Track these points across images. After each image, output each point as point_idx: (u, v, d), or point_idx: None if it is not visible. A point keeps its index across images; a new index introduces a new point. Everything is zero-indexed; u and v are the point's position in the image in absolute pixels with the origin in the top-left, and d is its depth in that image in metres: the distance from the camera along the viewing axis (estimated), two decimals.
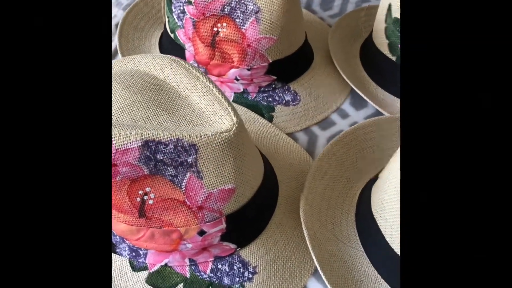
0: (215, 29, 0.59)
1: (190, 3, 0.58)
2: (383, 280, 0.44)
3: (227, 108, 0.41)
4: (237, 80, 0.61)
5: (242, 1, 0.57)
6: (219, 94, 0.42)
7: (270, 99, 0.62)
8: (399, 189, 0.41)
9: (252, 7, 0.57)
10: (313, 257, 0.44)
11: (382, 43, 0.63)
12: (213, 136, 0.38)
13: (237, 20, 0.58)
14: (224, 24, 0.58)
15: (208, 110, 0.42)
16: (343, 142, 0.54)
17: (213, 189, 0.40)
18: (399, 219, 0.41)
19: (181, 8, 0.60)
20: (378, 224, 0.44)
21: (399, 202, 0.40)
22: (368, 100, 0.61)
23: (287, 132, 0.60)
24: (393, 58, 0.62)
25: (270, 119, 0.60)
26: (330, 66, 0.67)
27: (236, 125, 0.40)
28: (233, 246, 0.44)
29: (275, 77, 0.61)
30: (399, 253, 0.41)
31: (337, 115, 0.63)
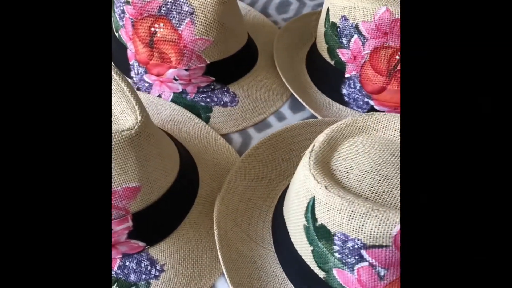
0: (152, 29, 0.59)
1: (128, 3, 0.59)
2: (289, 282, 0.45)
3: (134, 107, 0.42)
4: (176, 80, 0.61)
5: (178, 2, 0.58)
6: (129, 92, 0.43)
7: (208, 99, 0.63)
8: (298, 191, 0.42)
9: (187, 9, 0.58)
10: (219, 256, 0.44)
11: (322, 48, 0.64)
12: (113, 134, 0.39)
13: (173, 21, 0.58)
14: (161, 25, 0.59)
15: (116, 108, 0.42)
16: (269, 143, 0.55)
17: (117, 187, 0.41)
18: (298, 221, 0.41)
19: (121, 8, 0.61)
20: (287, 225, 0.44)
21: (301, 206, 0.41)
22: (303, 103, 0.61)
23: (222, 133, 0.60)
24: (332, 63, 0.63)
25: (207, 120, 0.61)
26: (274, 69, 0.67)
27: (139, 123, 0.40)
28: (141, 244, 0.45)
29: (213, 78, 0.62)
30: (301, 254, 0.42)
31: (274, 117, 0.63)
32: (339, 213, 0.36)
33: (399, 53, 0.56)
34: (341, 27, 0.59)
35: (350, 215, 0.36)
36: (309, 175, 0.39)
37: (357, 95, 0.61)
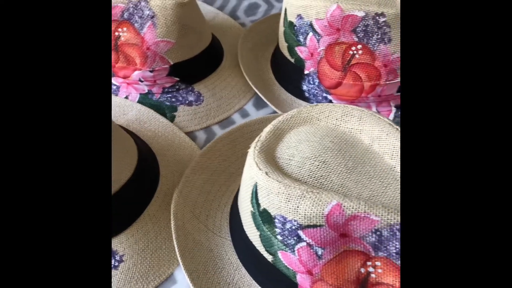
0: (116, 33, 0.62)
1: None
2: (243, 267, 0.47)
3: None
4: (141, 81, 0.64)
5: (139, 6, 0.60)
6: None
7: (173, 99, 0.65)
8: (245, 179, 0.44)
9: (147, 12, 0.60)
10: (175, 245, 0.46)
11: (283, 46, 0.66)
12: None
13: (135, 24, 0.61)
14: (124, 29, 0.61)
15: None
16: (229, 138, 0.57)
17: None
18: (247, 208, 0.43)
19: None
20: (240, 213, 0.46)
21: (248, 193, 0.43)
22: (265, 99, 0.64)
23: (187, 131, 0.62)
24: (292, 60, 0.65)
25: (172, 119, 0.63)
26: (239, 68, 0.70)
27: None
28: None
29: (177, 79, 0.64)
30: (252, 240, 0.44)
31: (238, 114, 0.66)
32: (277, 196, 0.38)
33: (352, 48, 0.59)
34: (297, 25, 0.62)
35: (287, 198, 0.38)
36: (252, 163, 0.42)
37: (316, 91, 0.64)
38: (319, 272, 0.39)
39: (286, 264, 0.41)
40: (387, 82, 0.59)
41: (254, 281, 0.45)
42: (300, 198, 0.37)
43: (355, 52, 0.59)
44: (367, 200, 0.37)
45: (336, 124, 0.45)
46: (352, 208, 0.36)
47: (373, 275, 0.38)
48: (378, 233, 0.36)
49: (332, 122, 0.45)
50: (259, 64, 0.72)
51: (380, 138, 0.42)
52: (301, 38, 0.62)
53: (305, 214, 0.37)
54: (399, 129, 0.42)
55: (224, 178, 0.54)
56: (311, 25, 0.60)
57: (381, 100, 0.61)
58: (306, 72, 0.64)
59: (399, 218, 0.35)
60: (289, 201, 0.38)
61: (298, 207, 0.37)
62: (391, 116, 0.61)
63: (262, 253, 0.43)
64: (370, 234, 0.37)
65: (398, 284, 0.38)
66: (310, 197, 0.37)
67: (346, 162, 0.41)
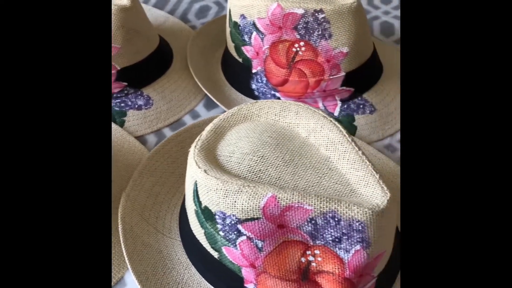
0: None
1: None
2: (193, 266, 0.47)
3: None
4: None
5: None
6: None
7: (122, 104, 0.65)
8: (188, 179, 0.44)
9: None
10: (123, 248, 0.46)
11: (231, 46, 0.67)
12: None
13: None
14: None
15: None
16: (177, 140, 0.57)
17: None
18: (191, 207, 0.44)
19: None
20: (187, 213, 0.47)
21: (190, 192, 0.43)
22: (214, 100, 0.64)
23: (137, 135, 0.62)
24: (240, 60, 0.66)
25: (122, 124, 0.63)
26: (189, 70, 0.70)
27: None
28: None
29: (125, 83, 0.64)
30: (199, 239, 0.44)
31: (189, 116, 0.66)
32: (216, 193, 0.39)
33: (295, 45, 0.60)
34: (241, 25, 0.63)
35: (225, 194, 0.39)
36: (192, 162, 0.42)
37: (265, 89, 0.65)
38: (261, 265, 0.40)
39: (231, 259, 0.42)
40: (331, 77, 0.61)
41: (203, 279, 0.46)
42: (237, 193, 0.38)
43: (298, 49, 0.60)
44: (301, 191, 0.38)
45: (275, 119, 0.46)
46: (286, 199, 0.37)
47: (313, 264, 0.39)
48: (313, 222, 0.37)
49: (271, 117, 0.46)
50: (209, 65, 0.73)
51: (316, 131, 0.43)
52: (246, 37, 0.63)
53: (242, 208, 0.38)
54: (333, 120, 0.43)
55: (174, 179, 0.55)
56: (254, 25, 0.61)
57: (326, 95, 0.62)
58: (254, 71, 0.65)
59: (331, 205, 0.37)
60: (227, 196, 0.38)
61: (235, 201, 0.38)
62: (337, 109, 0.63)
63: (208, 250, 0.43)
64: (306, 223, 0.38)
65: (337, 271, 0.39)
66: (246, 191, 0.38)
67: (284, 155, 0.42)
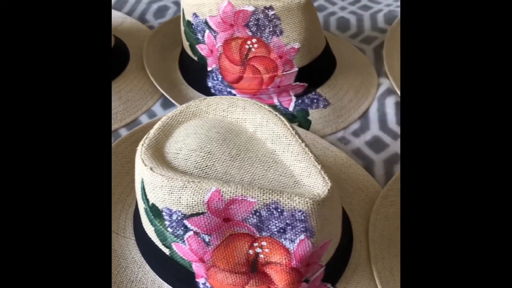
0: None
1: None
2: (147, 264, 0.47)
3: None
4: None
5: None
6: None
7: None
8: (136, 177, 0.44)
9: None
10: None
11: (186, 45, 0.67)
12: None
13: None
14: None
15: None
16: (131, 140, 0.57)
17: None
18: (141, 205, 0.44)
19: None
20: (139, 212, 0.47)
21: (138, 190, 0.44)
22: (170, 99, 0.65)
23: None
24: (195, 58, 0.66)
25: None
26: (145, 70, 0.70)
27: None
28: None
29: None
30: (150, 236, 0.45)
31: (146, 116, 0.66)
32: (161, 189, 0.39)
33: (247, 42, 0.61)
34: (194, 24, 0.63)
35: (169, 190, 0.39)
36: (139, 160, 0.42)
37: (221, 86, 0.65)
38: (210, 259, 0.40)
39: (181, 255, 0.42)
40: (284, 73, 0.62)
41: (157, 276, 0.46)
42: (182, 189, 0.38)
43: (250, 46, 0.61)
44: (245, 184, 0.39)
45: (223, 115, 0.46)
46: (230, 192, 0.37)
47: (261, 255, 0.40)
48: (257, 214, 0.38)
49: (219, 113, 0.47)
50: (167, 64, 0.73)
51: (262, 125, 0.44)
52: (199, 36, 0.63)
53: (187, 204, 0.38)
54: (278, 114, 0.44)
55: (129, 179, 0.55)
56: (206, 23, 0.61)
57: (281, 90, 0.63)
58: (209, 68, 0.65)
59: (273, 197, 0.37)
60: (172, 193, 0.39)
61: (180, 197, 0.38)
62: (292, 105, 0.64)
63: (160, 247, 0.44)
64: (250, 215, 0.38)
65: (284, 261, 0.40)
66: (191, 187, 0.38)
67: (230, 150, 0.42)
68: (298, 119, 0.63)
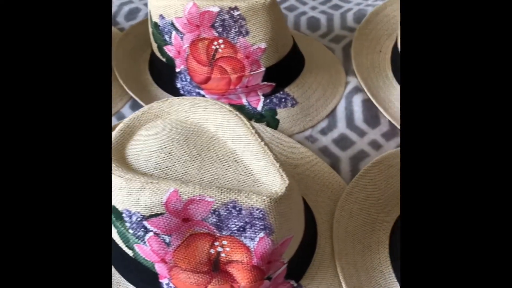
0: None
1: None
2: (113, 266, 0.47)
3: None
4: None
5: None
6: None
7: None
8: None
9: None
10: None
11: (154, 47, 0.67)
12: None
13: None
14: None
15: None
16: None
17: None
18: None
19: None
20: None
21: None
22: (138, 100, 0.65)
23: None
24: (164, 60, 0.66)
25: None
26: (114, 72, 0.70)
27: None
28: None
29: None
30: (115, 239, 0.45)
31: (114, 118, 0.66)
32: (120, 191, 0.39)
33: (214, 43, 0.61)
34: (161, 25, 0.63)
35: (128, 192, 0.39)
36: None
37: (189, 87, 0.65)
38: (172, 259, 0.41)
39: (143, 256, 0.42)
40: (252, 73, 0.62)
41: (122, 278, 0.46)
42: (140, 190, 0.39)
43: (217, 46, 0.61)
44: (203, 184, 0.39)
45: (186, 116, 0.47)
46: (188, 192, 0.38)
47: (223, 254, 0.40)
48: (216, 213, 0.38)
49: (181, 114, 0.47)
50: (137, 65, 0.73)
51: (223, 125, 0.44)
52: (166, 37, 0.63)
53: (145, 205, 0.38)
54: (238, 114, 0.44)
55: None
56: (172, 24, 0.61)
57: (249, 90, 0.64)
58: (177, 70, 0.65)
59: (231, 196, 0.38)
60: (130, 194, 0.39)
61: (138, 199, 0.39)
62: (260, 104, 0.64)
63: (124, 249, 0.44)
64: (210, 215, 0.39)
65: (246, 259, 0.40)
66: (149, 188, 0.38)
67: (191, 150, 0.42)
68: (267, 119, 0.63)
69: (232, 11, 0.59)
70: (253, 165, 0.41)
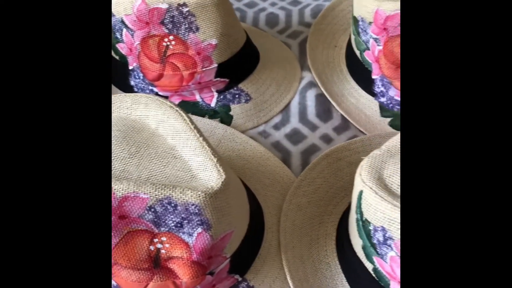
0: None
1: None
2: None
3: None
4: None
5: None
6: None
7: None
8: None
9: None
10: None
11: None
12: None
13: None
14: None
15: None
16: None
17: None
18: None
19: None
20: None
21: None
22: None
23: None
24: (117, 58, 0.66)
25: None
26: None
27: None
28: None
29: None
30: None
31: None
32: None
33: (164, 39, 0.61)
34: (112, 23, 0.62)
35: None
36: None
37: (143, 85, 0.65)
38: (111, 257, 0.40)
39: None
40: (204, 69, 0.62)
41: None
42: None
43: (168, 43, 0.61)
44: (139, 181, 0.39)
45: (127, 113, 0.46)
46: (122, 189, 0.38)
47: (163, 251, 0.40)
48: (152, 209, 0.38)
49: (123, 111, 0.47)
50: None
51: (163, 121, 0.44)
52: (118, 35, 0.63)
53: None
54: (178, 110, 0.44)
55: None
56: (122, 21, 0.61)
57: (202, 87, 0.63)
58: (130, 67, 0.65)
59: (165, 192, 0.38)
60: None
61: None
62: (214, 100, 0.64)
63: None
64: (146, 212, 0.38)
65: (185, 255, 0.40)
66: None
67: (130, 148, 0.42)
68: (220, 115, 0.63)
69: (181, 8, 0.59)
70: (192, 161, 0.41)
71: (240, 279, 0.45)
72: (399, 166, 0.40)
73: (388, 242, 0.38)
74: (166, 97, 0.64)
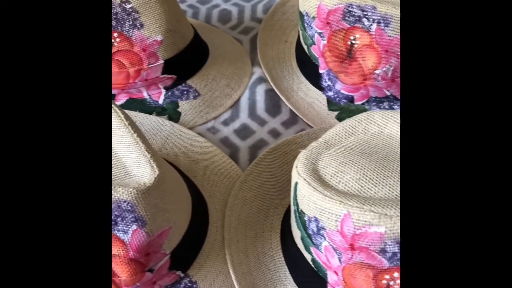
0: None
1: None
2: None
3: None
4: None
5: None
6: None
7: None
8: None
9: None
10: None
11: None
12: None
13: None
14: None
15: None
16: None
17: None
18: None
19: None
20: None
21: None
22: None
23: None
24: None
25: None
26: None
27: None
28: None
29: None
30: None
31: None
32: None
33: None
34: None
35: None
36: None
37: None
38: None
39: None
40: (150, 66, 0.61)
41: None
42: None
43: (113, 40, 0.60)
44: None
45: None
46: None
47: None
48: None
49: None
50: None
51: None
52: None
53: None
54: (114, 107, 0.44)
55: None
56: None
57: (149, 83, 0.63)
58: None
59: None
60: None
61: None
62: (161, 97, 0.64)
63: None
64: None
65: (122, 253, 0.40)
66: None
67: None
68: (168, 112, 0.63)
69: (124, 4, 0.58)
70: (126, 158, 0.41)
71: (182, 275, 0.45)
72: (334, 157, 0.41)
73: (321, 232, 0.39)
74: (113, 95, 0.63)
